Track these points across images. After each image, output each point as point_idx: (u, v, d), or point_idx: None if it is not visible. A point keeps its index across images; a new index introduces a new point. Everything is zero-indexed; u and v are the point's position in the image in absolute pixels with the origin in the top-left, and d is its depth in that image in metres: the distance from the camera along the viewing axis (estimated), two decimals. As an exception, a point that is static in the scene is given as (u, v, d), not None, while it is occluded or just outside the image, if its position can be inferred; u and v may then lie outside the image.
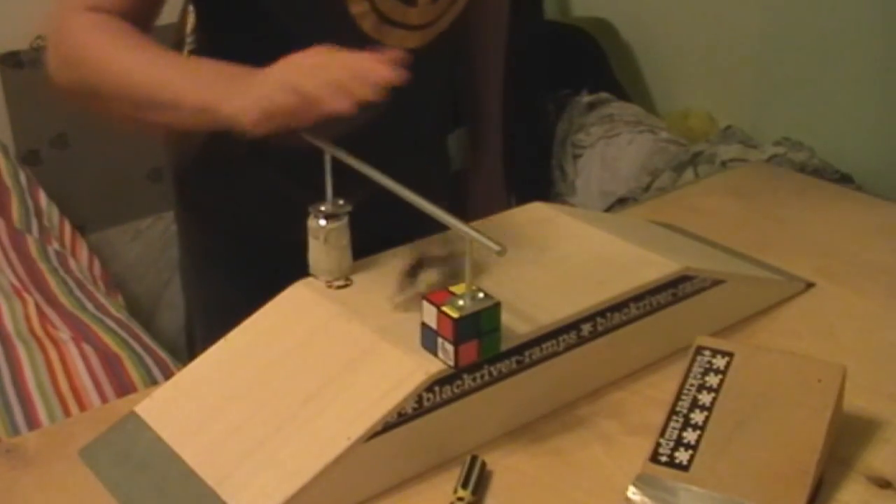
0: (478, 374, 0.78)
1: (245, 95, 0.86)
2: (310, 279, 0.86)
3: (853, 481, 0.76)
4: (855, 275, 1.05)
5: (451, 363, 0.74)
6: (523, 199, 1.02)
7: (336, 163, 0.85)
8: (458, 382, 0.77)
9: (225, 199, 1.17)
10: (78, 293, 1.79)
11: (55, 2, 1.01)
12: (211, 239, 1.20)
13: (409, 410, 0.75)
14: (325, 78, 0.83)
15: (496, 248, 0.72)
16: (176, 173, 1.21)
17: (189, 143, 1.17)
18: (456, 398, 0.77)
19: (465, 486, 0.74)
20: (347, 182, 0.86)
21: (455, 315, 0.73)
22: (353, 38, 1.03)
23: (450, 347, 0.74)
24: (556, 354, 0.82)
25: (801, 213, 1.19)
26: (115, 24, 0.98)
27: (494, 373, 0.79)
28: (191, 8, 1.12)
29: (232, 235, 1.18)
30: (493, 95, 1.29)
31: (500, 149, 1.31)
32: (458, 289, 0.75)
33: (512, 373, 0.80)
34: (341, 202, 0.85)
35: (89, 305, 1.75)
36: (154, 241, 2.49)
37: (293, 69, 0.86)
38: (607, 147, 2.33)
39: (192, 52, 1.13)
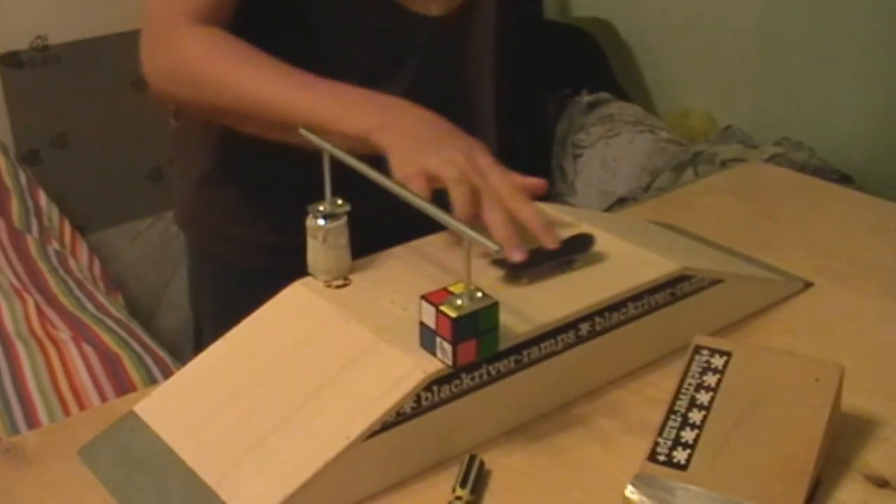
0: (476, 374, 0.78)
1: (417, 147, 0.87)
2: (308, 279, 0.86)
3: (851, 480, 0.76)
4: (854, 274, 1.05)
5: (450, 362, 0.74)
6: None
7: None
8: (457, 382, 0.77)
9: (235, 206, 1.16)
10: (78, 293, 1.79)
11: (153, 7, 0.99)
12: (220, 246, 1.19)
13: (408, 410, 0.75)
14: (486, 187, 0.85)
15: (494, 248, 0.72)
16: (183, 184, 1.20)
17: (200, 156, 1.16)
18: (454, 397, 0.77)
19: (463, 485, 0.74)
20: (355, 184, 0.85)
21: (453, 314, 0.73)
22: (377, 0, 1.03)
23: (448, 347, 0.74)
24: (554, 354, 0.82)
25: (800, 213, 1.19)
26: (231, 41, 0.97)
27: (493, 372, 0.79)
28: None
29: (242, 241, 1.17)
30: (486, 95, 1.29)
31: (497, 149, 1.31)
32: (456, 288, 0.75)
33: (510, 372, 0.80)
34: (339, 202, 0.85)
35: (89, 305, 1.75)
36: (154, 241, 2.50)
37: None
38: (607, 147, 2.34)
39: None
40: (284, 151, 0.96)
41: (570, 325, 0.82)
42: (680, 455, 0.74)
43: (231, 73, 0.95)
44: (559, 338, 0.82)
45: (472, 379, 0.78)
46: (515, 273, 0.85)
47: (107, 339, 1.62)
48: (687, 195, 1.28)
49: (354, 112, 0.91)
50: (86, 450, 0.81)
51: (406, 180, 0.85)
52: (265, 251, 1.15)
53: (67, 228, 2.12)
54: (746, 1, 2.37)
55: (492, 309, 0.75)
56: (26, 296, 1.73)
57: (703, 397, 0.78)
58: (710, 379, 0.79)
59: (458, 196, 0.84)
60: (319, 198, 0.84)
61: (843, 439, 0.79)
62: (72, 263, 1.94)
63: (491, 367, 0.78)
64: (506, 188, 0.85)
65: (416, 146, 0.87)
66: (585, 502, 0.75)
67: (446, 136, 0.90)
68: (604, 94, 2.46)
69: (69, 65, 2.33)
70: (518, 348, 0.80)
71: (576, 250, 0.88)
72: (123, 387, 1.51)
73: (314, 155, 0.89)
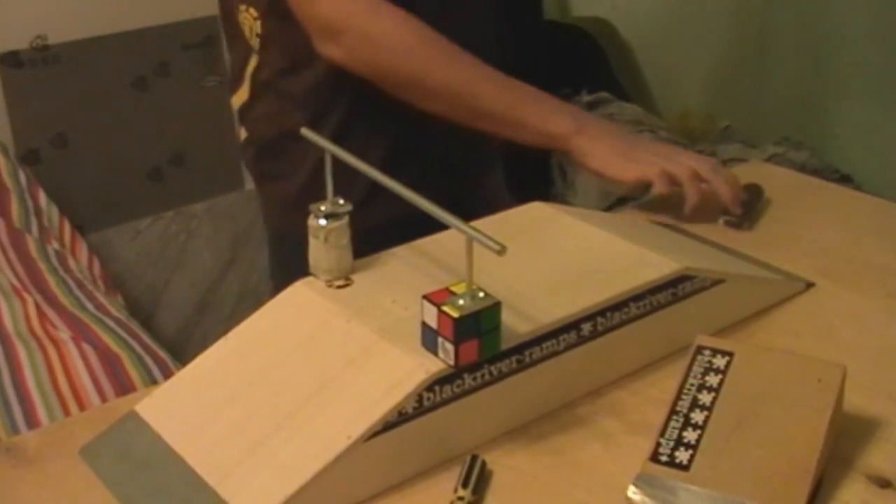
0: (478, 374, 0.78)
1: (615, 153, 1.08)
2: (310, 278, 0.86)
3: (853, 481, 0.76)
4: (855, 274, 1.05)
5: (452, 362, 0.74)
6: (523, 199, 1.02)
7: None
8: (459, 382, 0.77)
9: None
10: (78, 293, 1.79)
11: None
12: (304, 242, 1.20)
13: (410, 410, 0.75)
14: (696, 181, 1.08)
15: (496, 247, 0.72)
16: (283, 179, 1.22)
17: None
18: (456, 397, 0.77)
19: (465, 485, 0.74)
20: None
21: (455, 314, 0.73)
22: None
23: (450, 347, 0.74)
24: (556, 354, 0.82)
25: (801, 213, 1.19)
26: (420, 22, 1.08)
27: (495, 372, 0.79)
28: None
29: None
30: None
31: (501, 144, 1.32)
32: (458, 288, 0.75)
33: (512, 372, 0.80)
34: (341, 202, 0.85)
35: (89, 305, 1.75)
36: (154, 241, 2.50)
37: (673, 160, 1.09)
38: (607, 147, 2.33)
39: (261, 39, 1.18)
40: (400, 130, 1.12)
41: (572, 325, 0.82)
42: (682, 455, 0.74)
43: (438, 55, 1.07)
44: (561, 338, 0.82)
45: (474, 379, 0.77)
46: (737, 224, 1.13)
47: (107, 338, 1.62)
48: (688, 195, 1.28)
49: (555, 115, 1.08)
50: (87, 449, 0.81)
51: (646, 179, 1.06)
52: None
53: (67, 228, 2.12)
54: (746, 1, 2.37)
55: (493, 309, 0.75)
56: (26, 296, 1.73)
57: (705, 397, 0.78)
58: (712, 379, 0.79)
59: (694, 191, 1.08)
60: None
61: (846, 439, 0.79)
62: (72, 263, 1.94)
63: (493, 367, 0.78)
64: (708, 168, 1.10)
65: (616, 151, 1.07)
66: (587, 502, 0.75)
67: (636, 142, 1.12)
68: (604, 94, 2.46)
69: (69, 65, 2.33)
70: (520, 348, 0.79)
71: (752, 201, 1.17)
72: (123, 387, 1.51)
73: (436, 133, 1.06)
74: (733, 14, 2.39)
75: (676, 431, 0.75)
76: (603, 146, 1.07)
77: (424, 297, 0.75)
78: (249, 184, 2.41)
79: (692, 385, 0.79)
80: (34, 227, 2.01)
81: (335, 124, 1.16)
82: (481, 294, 0.75)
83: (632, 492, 0.73)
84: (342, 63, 1.10)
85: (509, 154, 1.34)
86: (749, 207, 1.15)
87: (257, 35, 1.18)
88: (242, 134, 1.26)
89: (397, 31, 1.08)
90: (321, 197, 1.00)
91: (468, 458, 0.77)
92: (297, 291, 0.85)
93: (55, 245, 1.98)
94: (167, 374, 1.48)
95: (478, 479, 0.75)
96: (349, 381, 0.76)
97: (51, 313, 1.69)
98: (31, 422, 1.45)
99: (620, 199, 2.16)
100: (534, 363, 0.81)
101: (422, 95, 1.09)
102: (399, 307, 0.82)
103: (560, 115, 1.09)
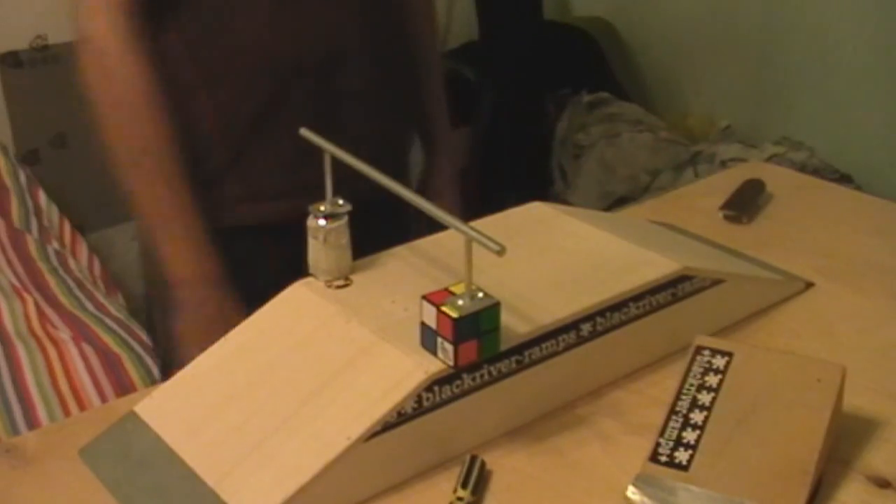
0: (477, 374, 0.78)
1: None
2: (309, 279, 0.86)
3: (853, 481, 0.76)
4: (854, 274, 1.05)
5: (451, 363, 0.74)
6: (523, 198, 1.02)
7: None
8: (458, 382, 0.77)
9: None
10: (77, 293, 1.79)
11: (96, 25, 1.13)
12: None
13: (409, 410, 0.75)
14: None
15: (495, 247, 0.72)
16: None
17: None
18: (455, 398, 0.77)
19: (464, 485, 0.74)
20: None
21: (454, 315, 0.73)
22: None
23: (449, 347, 0.74)
24: (555, 354, 0.82)
25: (800, 213, 1.19)
26: (148, 96, 1.10)
27: (494, 372, 0.79)
28: None
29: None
30: (434, 97, 1.30)
31: (452, 150, 1.32)
32: (457, 288, 0.75)
33: (511, 372, 0.80)
34: (340, 202, 0.85)
35: (89, 305, 1.75)
36: (154, 240, 2.49)
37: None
38: (607, 147, 2.34)
39: None
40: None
41: (572, 326, 0.82)
42: (681, 455, 0.74)
43: (123, 128, 1.13)
44: (560, 338, 0.82)
45: (474, 379, 0.77)
46: (736, 217, 1.15)
47: (107, 338, 1.62)
48: (687, 195, 1.28)
49: (182, 256, 1.07)
50: (86, 450, 0.81)
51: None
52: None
53: (67, 228, 2.12)
54: (747, 1, 2.37)
55: (493, 309, 0.75)
56: (26, 296, 1.73)
57: (705, 398, 0.78)
58: (712, 379, 0.79)
59: None
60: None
61: (845, 439, 0.79)
62: (72, 263, 1.94)
63: (492, 368, 0.78)
64: None
65: (197, 326, 1.06)
66: (587, 503, 0.75)
67: (220, 324, 1.02)
68: (604, 94, 2.46)
69: (69, 64, 2.32)
70: (519, 348, 0.79)
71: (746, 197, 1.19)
72: (123, 387, 1.51)
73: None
74: (733, 14, 2.39)
75: (676, 431, 0.75)
76: (191, 314, 1.08)
77: (424, 297, 0.75)
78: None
79: (691, 385, 0.79)
80: (34, 227, 2.01)
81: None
82: (480, 294, 0.75)
83: (631, 492, 0.73)
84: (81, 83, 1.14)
85: (509, 153, 1.34)
86: (749, 202, 1.16)
87: None
88: None
89: (110, 87, 1.14)
90: None
91: (467, 459, 0.77)
92: (297, 292, 0.85)
93: (55, 245, 1.98)
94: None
95: (477, 480, 0.75)
96: (348, 382, 0.76)
97: (51, 313, 1.69)
98: (31, 422, 1.45)
99: (620, 199, 2.16)
100: (533, 363, 0.81)
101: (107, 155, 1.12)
102: (398, 307, 0.82)
103: (186, 260, 1.08)
